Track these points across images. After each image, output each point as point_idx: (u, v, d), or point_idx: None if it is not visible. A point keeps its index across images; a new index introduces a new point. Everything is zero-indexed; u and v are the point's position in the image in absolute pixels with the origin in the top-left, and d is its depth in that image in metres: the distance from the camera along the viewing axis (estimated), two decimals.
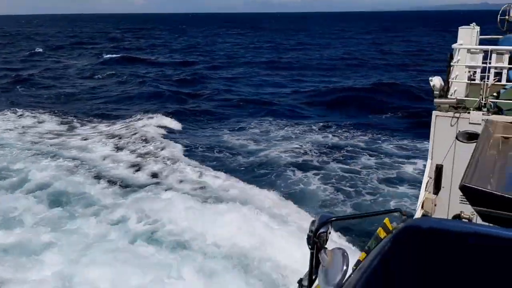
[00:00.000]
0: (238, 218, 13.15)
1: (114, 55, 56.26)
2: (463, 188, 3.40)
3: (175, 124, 24.29)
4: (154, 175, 16.94)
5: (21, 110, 27.01)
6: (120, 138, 21.47)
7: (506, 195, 3.19)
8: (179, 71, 44.70)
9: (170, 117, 25.27)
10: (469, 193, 3.38)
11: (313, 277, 2.63)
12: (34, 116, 25.94)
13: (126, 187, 15.70)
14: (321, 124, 24.34)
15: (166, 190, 15.44)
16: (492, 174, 3.77)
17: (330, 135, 22.33)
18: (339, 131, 23.09)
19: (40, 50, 64.26)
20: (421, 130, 22.99)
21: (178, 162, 18.04)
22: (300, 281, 2.84)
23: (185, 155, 18.92)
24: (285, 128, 23.65)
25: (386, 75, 40.86)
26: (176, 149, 19.78)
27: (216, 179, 16.46)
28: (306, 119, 25.69)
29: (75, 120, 25.04)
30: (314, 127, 23.85)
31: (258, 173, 17.20)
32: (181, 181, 16.52)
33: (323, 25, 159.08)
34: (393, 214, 3.05)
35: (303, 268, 8.55)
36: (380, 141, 21.20)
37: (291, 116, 26.34)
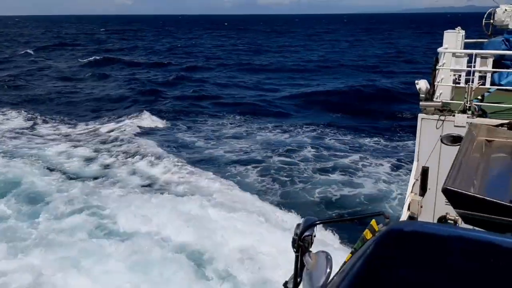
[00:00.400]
0: (187, 210, 13.62)
1: (95, 57, 57.01)
2: (445, 191, 3.45)
3: (141, 123, 25.27)
4: (106, 167, 18.09)
5: None
6: (82, 136, 22.58)
7: (488, 198, 3.22)
8: (155, 72, 45.75)
9: (137, 117, 26.32)
10: (452, 196, 3.42)
11: (298, 280, 2.66)
12: (4, 114, 26.95)
13: (77, 179, 16.71)
14: (274, 124, 25.62)
15: (115, 183, 16.29)
16: (475, 177, 3.78)
17: (281, 133, 23.62)
18: (291, 128, 24.38)
19: (23, 51, 64.80)
20: (372, 127, 24.47)
21: (132, 157, 19.22)
22: (285, 284, 2.84)
23: (141, 151, 19.98)
24: (241, 127, 24.92)
25: (359, 77, 42.07)
26: (134, 145, 20.88)
27: (166, 174, 17.50)
28: (263, 118, 26.96)
29: (40, 119, 26.02)
30: (268, 125, 25.16)
31: (205, 167, 18.38)
32: (132, 174, 17.63)
33: (308, 27, 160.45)
34: (377, 217, 3.14)
35: (251, 252, 9.67)
36: (326, 137, 22.54)
37: (252, 115, 27.54)
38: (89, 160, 18.91)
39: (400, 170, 17.47)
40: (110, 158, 19.15)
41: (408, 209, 8.08)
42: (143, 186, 16.50)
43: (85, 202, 14.46)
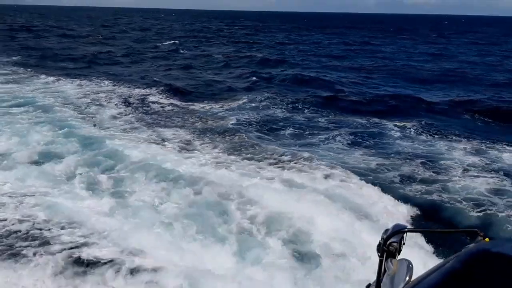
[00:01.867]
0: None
1: (219, 49, 62.42)
2: None
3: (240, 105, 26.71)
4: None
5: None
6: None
7: None
8: (275, 69, 46.43)
9: (236, 101, 28.25)
10: None
11: (381, 284, 2.69)
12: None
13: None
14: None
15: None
16: None
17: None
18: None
19: (170, 41, 72.28)
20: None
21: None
22: (368, 286, 2.93)
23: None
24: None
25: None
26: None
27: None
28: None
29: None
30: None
31: None
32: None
33: (455, 29, 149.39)
34: (471, 233, 3.08)
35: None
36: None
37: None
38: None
39: None
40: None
41: None
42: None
43: None
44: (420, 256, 9.25)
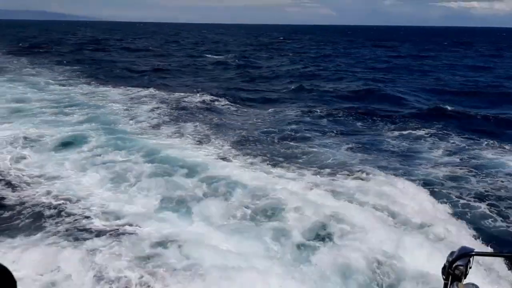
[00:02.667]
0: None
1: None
2: None
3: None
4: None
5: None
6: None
7: None
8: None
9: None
10: None
11: None
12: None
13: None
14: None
15: None
16: None
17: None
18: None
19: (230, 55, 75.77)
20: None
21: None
22: None
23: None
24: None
25: None
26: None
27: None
28: None
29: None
30: None
31: None
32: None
33: None
34: None
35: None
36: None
37: None
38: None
39: None
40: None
41: None
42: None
43: None
44: (487, 281, 9.16)
